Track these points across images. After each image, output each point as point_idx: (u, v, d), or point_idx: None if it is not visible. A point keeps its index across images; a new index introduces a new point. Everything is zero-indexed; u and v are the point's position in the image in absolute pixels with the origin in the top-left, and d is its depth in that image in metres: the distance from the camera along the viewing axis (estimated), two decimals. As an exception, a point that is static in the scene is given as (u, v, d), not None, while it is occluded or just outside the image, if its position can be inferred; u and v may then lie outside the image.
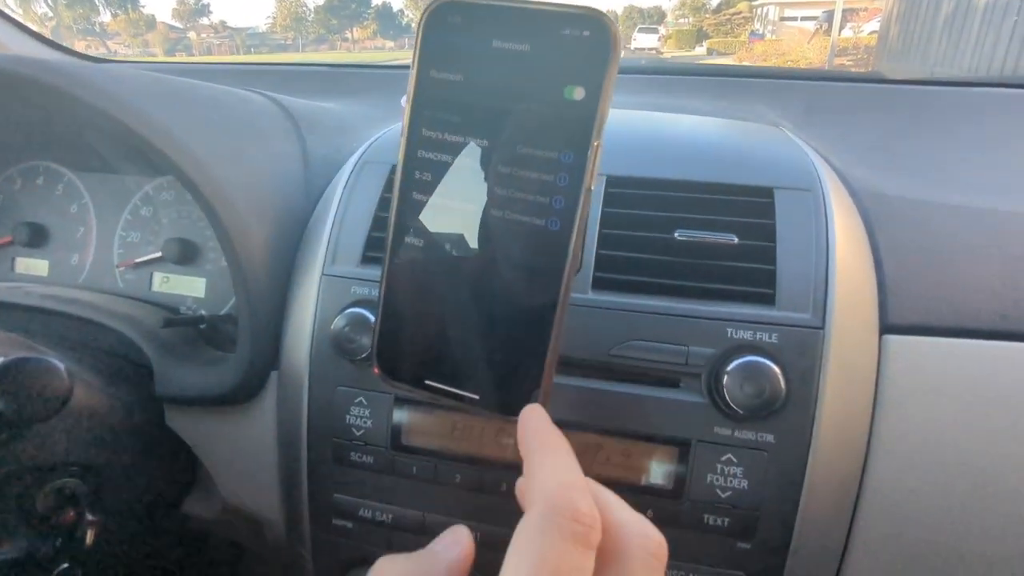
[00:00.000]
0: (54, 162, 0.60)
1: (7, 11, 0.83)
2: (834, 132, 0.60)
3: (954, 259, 0.39)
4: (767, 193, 0.39)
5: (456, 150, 0.30)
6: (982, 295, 0.38)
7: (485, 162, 0.30)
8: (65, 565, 0.39)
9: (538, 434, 0.25)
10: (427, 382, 0.32)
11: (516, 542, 0.20)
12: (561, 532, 0.19)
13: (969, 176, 0.51)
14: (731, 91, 0.72)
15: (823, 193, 0.39)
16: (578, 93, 0.28)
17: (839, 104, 0.69)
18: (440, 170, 0.31)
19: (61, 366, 0.30)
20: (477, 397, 0.31)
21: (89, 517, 0.40)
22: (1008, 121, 0.64)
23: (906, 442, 0.36)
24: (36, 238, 0.59)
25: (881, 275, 0.38)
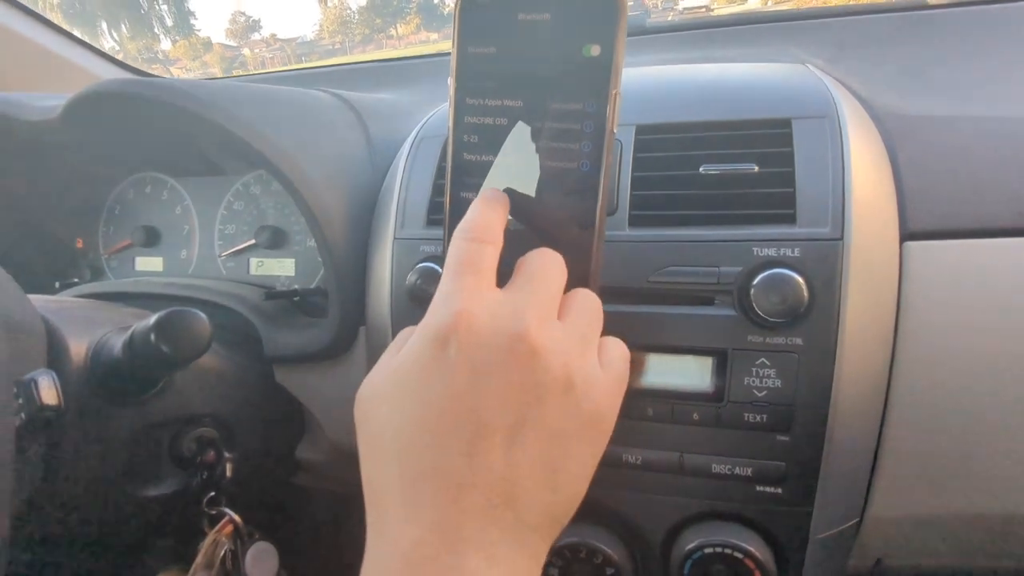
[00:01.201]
0: (157, 171, 0.69)
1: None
2: (866, 64, 0.61)
3: (972, 165, 0.42)
4: (785, 124, 0.42)
5: (496, 113, 0.36)
6: (1001, 196, 0.40)
7: (522, 119, 0.35)
8: (212, 494, 0.47)
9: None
10: None
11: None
12: (463, 236, 0.29)
13: (996, 89, 0.52)
14: (765, 37, 0.74)
15: (839, 118, 0.42)
16: (595, 50, 0.33)
17: (873, 36, 0.70)
18: (485, 132, 0.36)
19: (203, 315, 0.38)
20: None
21: (226, 455, 0.48)
22: None
23: (931, 339, 0.39)
24: (150, 239, 0.68)
25: (900, 188, 0.41)
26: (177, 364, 0.39)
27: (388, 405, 0.27)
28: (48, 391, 0.34)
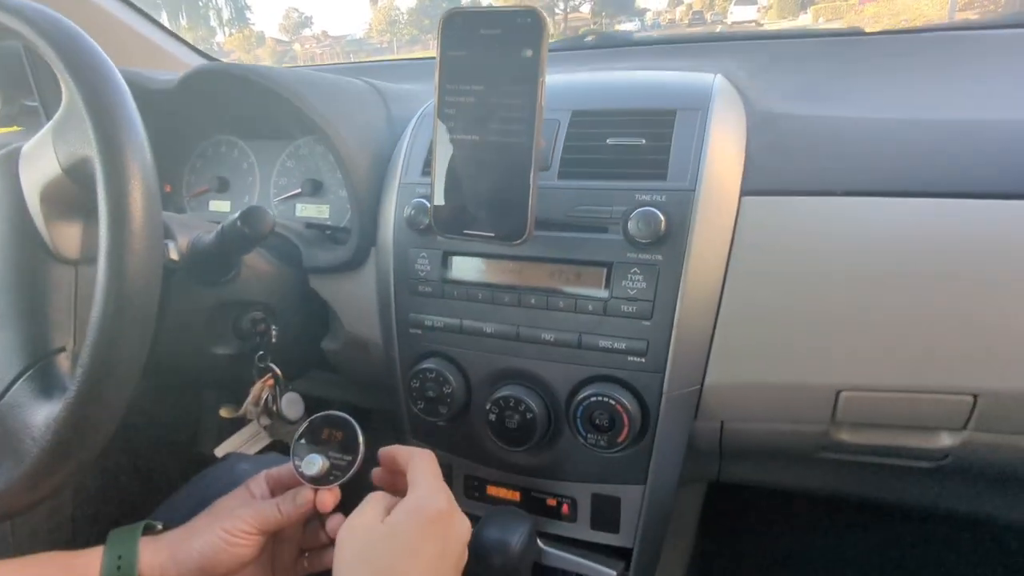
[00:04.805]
0: (231, 135, 0.90)
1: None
2: (778, 76, 0.79)
3: (803, 148, 0.60)
4: (671, 113, 0.60)
5: (466, 94, 0.55)
6: (815, 169, 0.58)
7: (482, 99, 0.54)
8: (260, 352, 0.67)
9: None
10: (464, 231, 0.57)
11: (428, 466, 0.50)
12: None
13: (862, 101, 0.70)
14: (713, 52, 0.92)
15: (710, 111, 0.60)
16: (528, 52, 0.52)
17: (798, 56, 0.87)
18: (459, 107, 0.56)
19: (269, 211, 0.57)
20: (493, 234, 0.56)
21: (273, 328, 0.68)
22: (957, 61, 0.79)
23: (755, 261, 0.57)
24: (222, 186, 0.89)
25: (748, 161, 0.59)
26: (253, 242, 0.58)
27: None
28: (173, 251, 0.55)
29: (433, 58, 0.56)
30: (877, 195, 0.55)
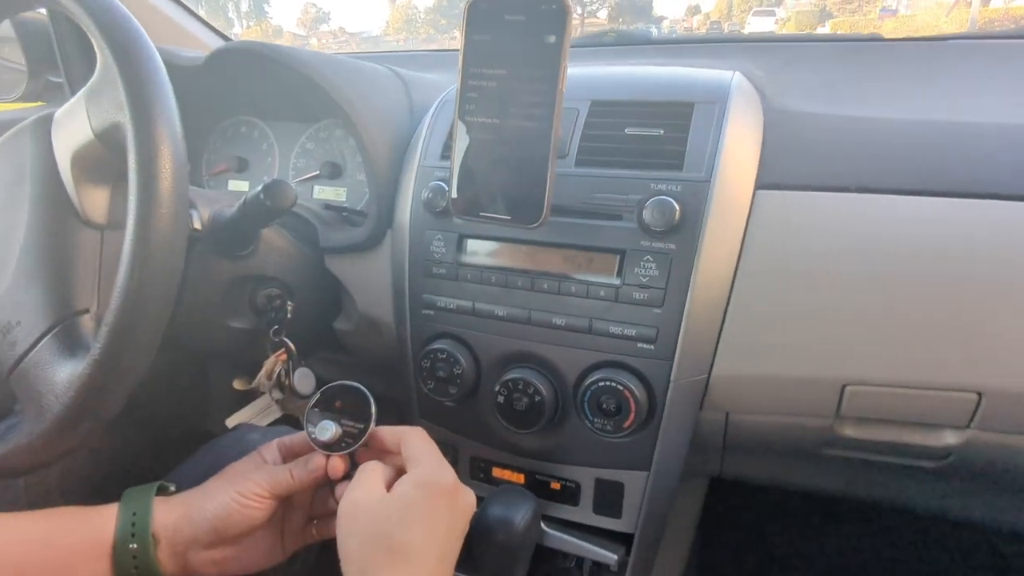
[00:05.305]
0: (252, 116, 0.91)
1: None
2: (795, 77, 0.79)
3: (818, 146, 0.60)
4: (689, 106, 0.61)
5: (489, 78, 0.56)
6: (828, 167, 0.58)
7: (504, 83, 0.55)
8: (275, 327, 0.68)
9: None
10: (481, 213, 0.58)
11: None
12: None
13: (881, 103, 0.70)
14: (733, 52, 0.92)
15: (728, 105, 0.61)
16: (552, 38, 0.53)
17: (817, 58, 0.88)
18: (481, 90, 0.57)
19: (292, 185, 0.58)
20: (509, 217, 0.57)
21: (288, 304, 0.69)
22: (980, 68, 0.80)
23: (767, 256, 0.57)
24: (241, 166, 0.91)
25: (763, 156, 0.60)
26: (274, 215, 0.59)
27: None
28: (196, 221, 0.56)
29: (454, 50, 0.57)
30: (892, 193, 0.56)
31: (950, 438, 0.58)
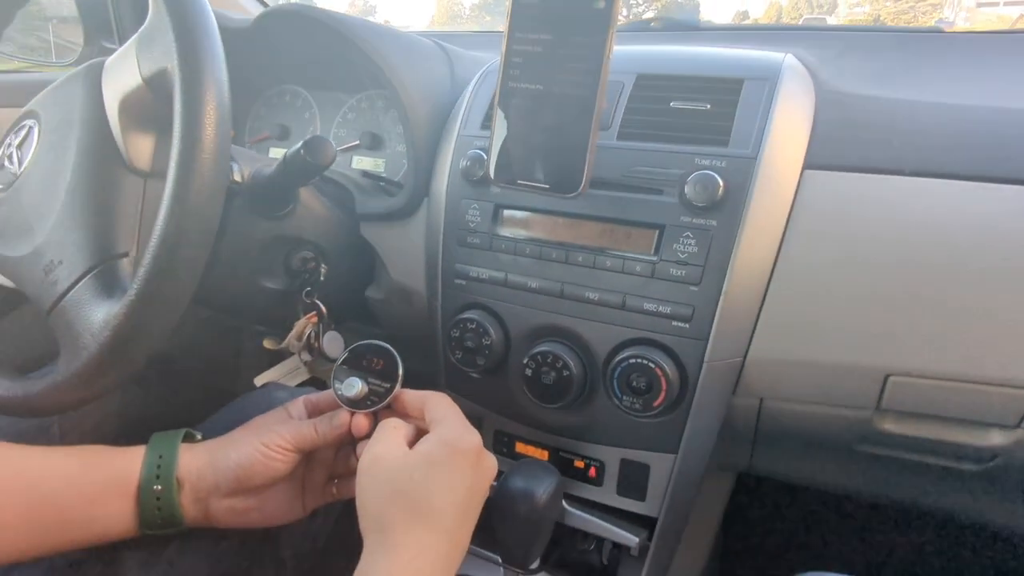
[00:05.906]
0: (296, 84, 0.92)
1: None
2: (850, 63, 0.77)
3: (870, 127, 0.58)
4: (738, 82, 0.59)
5: (534, 44, 0.55)
6: (880, 149, 0.56)
7: (550, 48, 0.54)
8: (307, 289, 0.68)
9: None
10: (520, 181, 0.57)
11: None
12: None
13: (939, 91, 0.67)
14: (786, 39, 0.90)
15: (779, 82, 0.59)
16: (601, 3, 0.52)
17: (872, 47, 0.85)
18: (526, 55, 0.56)
19: (332, 142, 0.58)
20: (547, 186, 0.56)
21: (322, 267, 0.69)
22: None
23: (812, 239, 0.55)
24: (283, 134, 0.92)
25: (813, 135, 0.58)
26: (314, 171, 0.59)
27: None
28: (237, 174, 0.57)
29: (498, 32, 0.56)
30: (949, 178, 0.53)
31: (998, 438, 0.56)
